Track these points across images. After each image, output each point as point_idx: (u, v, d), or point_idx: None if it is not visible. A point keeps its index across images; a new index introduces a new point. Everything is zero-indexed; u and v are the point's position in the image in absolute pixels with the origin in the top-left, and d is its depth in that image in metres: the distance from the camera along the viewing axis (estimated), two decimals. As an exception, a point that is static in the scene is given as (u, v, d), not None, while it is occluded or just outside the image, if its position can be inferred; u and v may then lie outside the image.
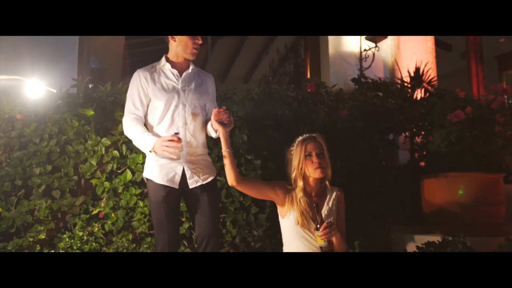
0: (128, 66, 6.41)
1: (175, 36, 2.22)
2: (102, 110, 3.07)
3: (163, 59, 2.29)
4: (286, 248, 2.15)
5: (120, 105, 3.11)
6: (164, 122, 2.19)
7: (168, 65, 2.26)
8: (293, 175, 2.14)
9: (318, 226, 1.96)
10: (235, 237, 3.06)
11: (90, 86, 3.32)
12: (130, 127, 2.16)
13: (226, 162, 2.10)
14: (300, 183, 2.12)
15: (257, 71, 8.81)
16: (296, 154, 2.13)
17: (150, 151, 2.10)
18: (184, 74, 2.27)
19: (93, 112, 2.98)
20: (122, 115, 3.04)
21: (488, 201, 2.95)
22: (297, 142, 2.17)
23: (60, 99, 3.07)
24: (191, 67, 2.31)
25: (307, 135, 2.17)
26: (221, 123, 2.12)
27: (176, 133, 2.05)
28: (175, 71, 2.26)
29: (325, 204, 2.13)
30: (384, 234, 3.08)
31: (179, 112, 2.20)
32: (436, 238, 2.68)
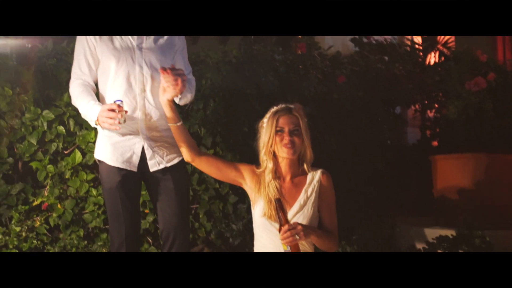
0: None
1: None
2: (43, 74, 2.98)
3: None
4: (255, 247, 2.14)
5: (65, 69, 3.01)
6: (116, 88, 2.13)
7: None
8: (262, 153, 2.12)
9: (281, 227, 1.91)
10: (209, 232, 3.05)
11: (27, 45, 3.21)
12: (76, 94, 2.14)
13: (176, 137, 2.12)
14: (270, 164, 2.09)
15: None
16: (266, 129, 2.10)
17: (96, 124, 2.06)
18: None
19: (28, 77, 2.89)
20: (68, 80, 3.00)
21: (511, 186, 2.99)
22: (269, 113, 2.13)
23: (-13, 60, 2.96)
24: None
25: (282, 105, 2.13)
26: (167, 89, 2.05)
27: (118, 101, 2.01)
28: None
29: (302, 192, 2.08)
30: (387, 226, 3.12)
31: (135, 76, 2.14)
32: (449, 232, 2.72)
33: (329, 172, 2.16)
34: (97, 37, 2.15)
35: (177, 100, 2.16)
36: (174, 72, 2.01)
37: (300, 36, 5.56)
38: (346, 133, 3.34)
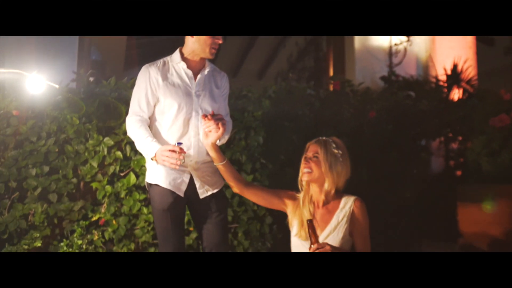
0: (132, 57, 6.50)
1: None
2: (105, 107, 3.13)
3: (178, 55, 2.27)
4: None
5: (124, 102, 3.17)
6: (175, 128, 2.21)
7: (183, 64, 2.25)
8: (299, 178, 2.20)
9: (311, 245, 1.96)
10: (247, 249, 3.11)
11: (91, 79, 3.40)
12: (134, 129, 2.18)
13: (224, 174, 2.17)
14: (303, 187, 2.18)
15: (273, 66, 8.84)
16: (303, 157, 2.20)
17: (151, 159, 2.12)
18: (199, 76, 2.26)
19: (92, 108, 3.02)
20: (126, 111, 3.14)
21: (533, 218, 2.93)
22: None
23: (60, 94, 3.13)
24: (207, 69, 2.30)
25: (322, 138, 2.21)
26: (209, 133, 2.13)
27: (179, 143, 2.07)
28: (189, 72, 2.25)
29: (334, 217, 2.11)
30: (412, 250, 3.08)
31: (192, 120, 2.22)
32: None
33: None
34: (159, 77, 2.20)
35: (217, 142, 2.23)
36: (215, 117, 2.12)
37: (331, 72, 5.65)
38: (376, 164, 3.34)
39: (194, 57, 2.26)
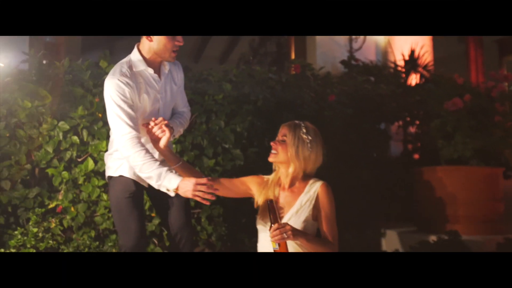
0: (89, 39, 6.26)
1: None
2: (59, 89, 3.01)
3: (140, 60, 2.16)
4: (258, 247, 2.19)
5: (80, 84, 3.08)
6: (142, 132, 2.18)
7: (150, 70, 2.17)
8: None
9: (271, 225, 1.96)
10: (211, 234, 3.09)
11: (44, 61, 3.25)
12: (136, 153, 2.04)
13: (183, 175, 2.08)
14: (276, 170, 2.19)
15: (235, 51, 8.77)
16: None
17: (171, 191, 2.02)
18: (162, 78, 2.23)
19: (49, 97, 2.91)
20: (82, 94, 3.04)
21: (486, 197, 3.07)
22: None
23: (9, 76, 2.99)
24: (167, 66, 2.25)
25: (295, 121, 2.20)
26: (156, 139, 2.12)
27: (208, 178, 2.03)
28: (156, 76, 2.20)
29: (298, 200, 2.11)
30: (374, 233, 3.16)
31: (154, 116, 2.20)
32: (430, 238, 2.77)
33: None
34: (135, 89, 2.13)
35: (172, 137, 2.22)
36: (157, 123, 2.12)
37: (293, 57, 5.67)
38: (335, 147, 3.39)
39: (155, 58, 2.20)
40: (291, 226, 1.94)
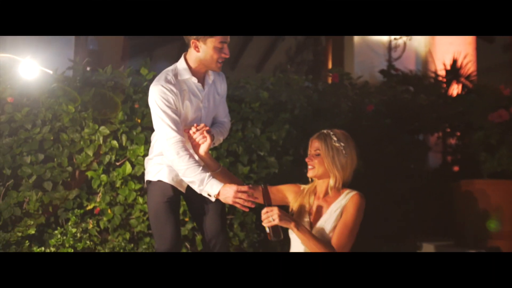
0: (129, 48, 6.45)
1: (199, 45, 2.15)
2: (101, 96, 3.10)
3: (186, 69, 2.20)
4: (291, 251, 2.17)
5: (121, 91, 3.16)
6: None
7: (194, 79, 2.21)
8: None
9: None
10: (242, 241, 3.10)
11: (88, 68, 3.37)
12: (181, 158, 2.08)
13: (221, 181, 2.07)
14: (312, 182, 2.16)
15: (271, 59, 8.79)
16: None
17: (212, 196, 2.05)
18: (206, 88, 2.26)
19: (88, 97, 2.99)
20: (123, 100, 3.12)
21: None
22: None
23: (55, 82, 3.11)
24: (212, 77, 2.28)
25: (323, 131, 2.17)
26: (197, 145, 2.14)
27: (250, 186, 2.04)
28: (199, 86, 2.23)
29: (329, 207, 2.07)
30: (410, 248, 3.07)
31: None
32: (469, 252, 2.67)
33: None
34: (179, 96, 2.16)
35: (212, 145, 2.23)
36: (199, 128, 2.14)
37: (330, 66, 5.63)
38: (372, 158, 3.33)
39: (200, 68, 2.23)
40: (279, 210, 1.91)
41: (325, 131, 2.14)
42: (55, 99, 3.07)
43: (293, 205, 2.15)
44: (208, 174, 2.05)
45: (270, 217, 1.89)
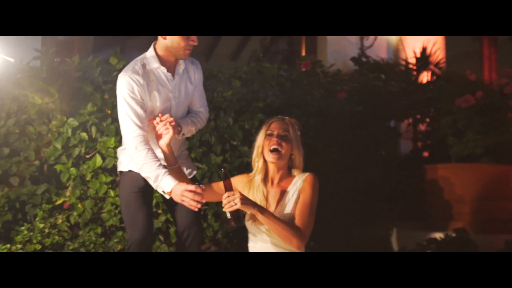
0: (101, 38, 6.30)
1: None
2: (69, 86, 3.01)
3: (155, 58, 2.14)
4: (248, 246, 2.10)
5: (89, 81, 3.07)
6: (152, 131, 2.15)
7: (163, 69, 2.15)
8: (253, 156, 2.08)
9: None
10: (217, 231, 3.06)
11: (56, 59, 3.26)
12: (139, 152, 2.05)
13: (173, 176, 2.02)
14: (259, 166, 2.06)
15: (246, 49, 8.74)
16: (260, 133, 2.08)
17: (165, 194, 2.02)
18: (176, 78, 2.19)
19: (56, 95, 2.91)
20: (91, 91, 3.04)
21: (497, 195, 3.01)
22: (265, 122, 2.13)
23: (20, 72, 2.99)
24: (182, 66, 2.21)
25: (278, 116, 2.12)
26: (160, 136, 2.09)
27: (201, 184, 2.00)
28: (169, 75, 2.16)
29: (286, 193, 2.03)
30: (381, 230, 3.11)
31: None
32: (438, 235, 2.71)
33: (327, 179, 2.11)
34: (145, 87, 2.10)
35: (180, 136, 2.19)
36: (163, 119, 2.09)
37: (304, 54, 5.62)
38: (345, 144, 3.34)
39: (169, 57, 2.16)
40: (241, 194, 1.85)
41: (286, 117, 2.10)
42: (20, 90, 2.96)
43: (247, 195, 2.02)
44: (164, 170, 2.01)
45: (231, 201, 1.83)
